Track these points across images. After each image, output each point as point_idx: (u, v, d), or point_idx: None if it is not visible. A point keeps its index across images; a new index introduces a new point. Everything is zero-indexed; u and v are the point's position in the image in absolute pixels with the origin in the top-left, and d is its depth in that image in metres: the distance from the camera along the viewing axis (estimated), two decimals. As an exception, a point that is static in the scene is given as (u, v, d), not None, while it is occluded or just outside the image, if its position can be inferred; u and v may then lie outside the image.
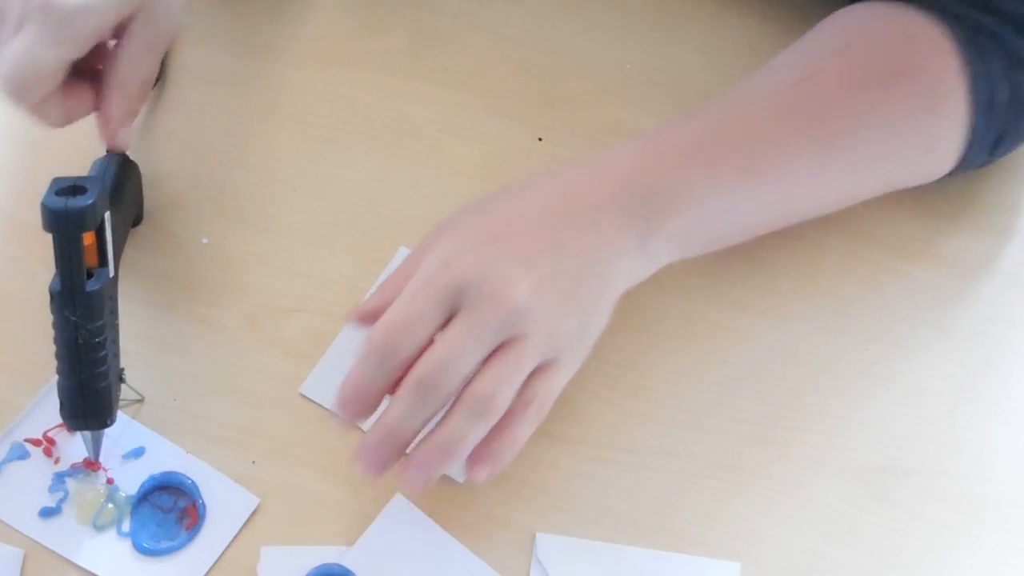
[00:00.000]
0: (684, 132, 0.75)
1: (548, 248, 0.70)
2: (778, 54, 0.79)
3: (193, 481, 0.74)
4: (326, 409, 0.76)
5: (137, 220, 0.81)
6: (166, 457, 0.75)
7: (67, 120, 0.76)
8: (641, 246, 0.72)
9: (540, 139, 0.85)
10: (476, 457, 0.69)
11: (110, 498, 0.74)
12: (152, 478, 0.74)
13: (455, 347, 0.67)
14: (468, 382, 0.68)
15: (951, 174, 0.79)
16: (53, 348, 0.72)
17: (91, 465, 0.74)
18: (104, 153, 0.80)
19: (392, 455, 0.69)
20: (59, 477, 0.74)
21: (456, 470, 0.74)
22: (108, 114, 0.77)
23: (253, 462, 0.75)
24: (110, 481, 0.74)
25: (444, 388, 0.67)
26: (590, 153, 0.74)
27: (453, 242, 0.70)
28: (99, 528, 0.73)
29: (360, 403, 0.69)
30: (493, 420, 0.68)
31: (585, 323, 0.71)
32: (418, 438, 0.69)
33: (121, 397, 0.74)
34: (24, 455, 0.75)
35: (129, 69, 0.76)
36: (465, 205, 0.74)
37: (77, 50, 0.73)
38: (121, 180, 0.78)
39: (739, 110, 0.76)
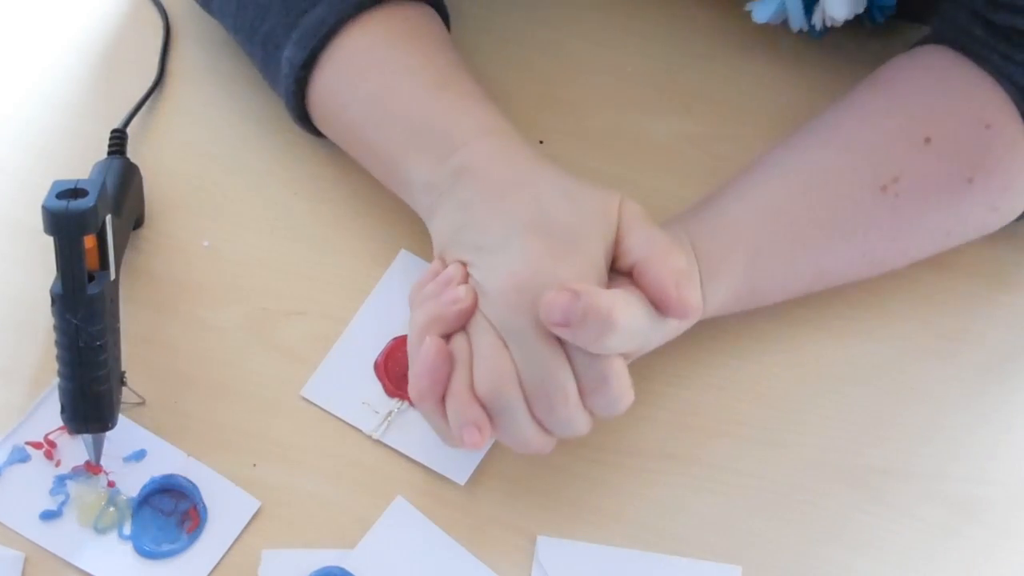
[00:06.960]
0: (748, 230, 0.74)
1: None
2: (843, 116, 0.78)
3: (194, 484, 0.74)
4: (327, 412, 0.76)
5: (138, 223, 0.81)
6: (167, 460, 0.75)
7: None
8: None
9: (541, 142, 0.85)
10: None
11: (111, 501, 0.73)
12: (153, 481, 0.74)
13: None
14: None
15: None
16: (54, 351, 0.71)
17: (92, 468, 0.74)
18: (105, 156, 0.81)
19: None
20: (60, 480, 0.74)
21: (457, 471, 0.74)
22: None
23: (254, 465, 0.75)
24: (111, 484, 0.74)
25: None
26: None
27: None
28: (100, 531, 0.73)
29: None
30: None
31: None
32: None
33: (122, 400, 0.74)
34: (25, 458, 0.75)
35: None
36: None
37: None
38: (122, 183, 0.78)
39: (807, 212, 0.75)
